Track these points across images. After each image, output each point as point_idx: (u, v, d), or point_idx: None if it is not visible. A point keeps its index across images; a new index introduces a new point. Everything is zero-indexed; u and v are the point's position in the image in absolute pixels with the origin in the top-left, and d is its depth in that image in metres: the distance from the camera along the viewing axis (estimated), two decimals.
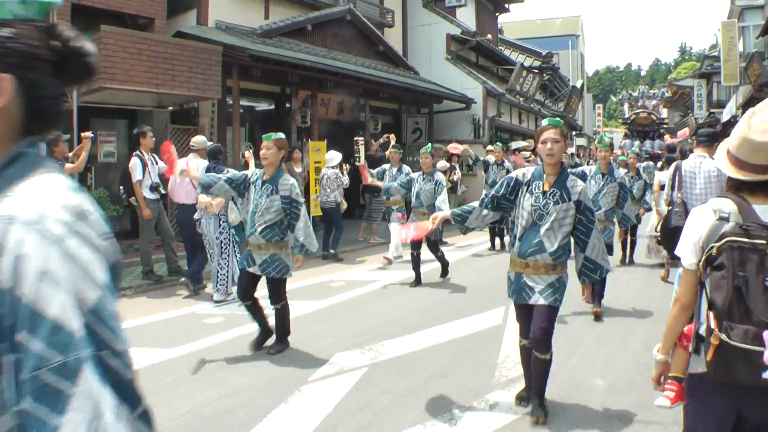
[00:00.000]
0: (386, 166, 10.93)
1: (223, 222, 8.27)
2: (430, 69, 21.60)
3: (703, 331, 2.40)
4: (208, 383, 5.30)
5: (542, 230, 4.35)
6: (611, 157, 9.60)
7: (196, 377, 5.44)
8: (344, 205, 12.55)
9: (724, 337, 2.21)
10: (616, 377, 5.43)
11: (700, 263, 2.39)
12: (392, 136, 14.08)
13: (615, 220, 8.40)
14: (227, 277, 8.25)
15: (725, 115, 29.77)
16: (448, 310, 7.81)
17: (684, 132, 40.74)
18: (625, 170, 10.88)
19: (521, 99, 23.98)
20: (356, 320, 7.38)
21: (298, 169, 12.50)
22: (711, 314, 2.29)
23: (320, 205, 12.11)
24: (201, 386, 5.23)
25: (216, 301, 8.14)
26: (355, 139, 13.91)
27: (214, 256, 8.37)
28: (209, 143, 9.88)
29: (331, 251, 11.85)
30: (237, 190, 6.21)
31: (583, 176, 7.91)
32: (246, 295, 6.19)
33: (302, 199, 6.11)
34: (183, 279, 9.10)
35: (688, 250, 2.47)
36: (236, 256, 8.27)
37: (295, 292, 8.76)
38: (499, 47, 29.18)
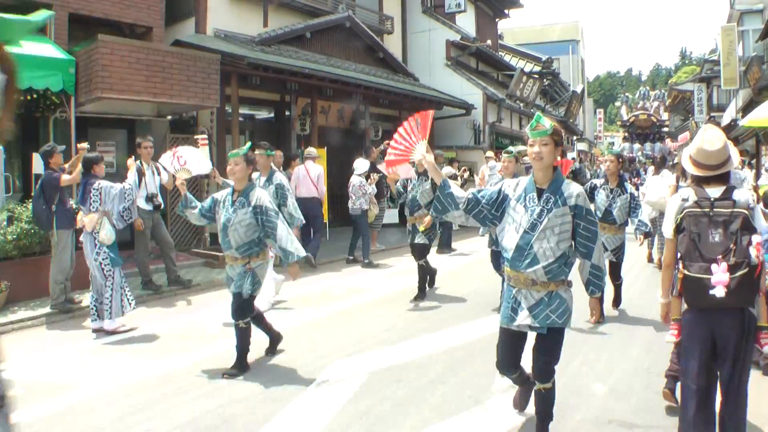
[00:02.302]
0: (255, 174, 7.84)
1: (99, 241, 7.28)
2: (430, 75, 21.61)
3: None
4: (208, 392, 5.27)
5: None
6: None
7: (195, 387, 5.41)
8: (375, 211, 12.85)
9: (686, 271, 3.53)
10: (616, 382, 5.40)
11: (674, 231, 3.73)
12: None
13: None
14: (111, 302, 7.21)
15: (725, 119, 29.75)
16: (448, 317, 7.79)
17: (685, 136, 40.65)
18: (601, 181, 7.91)
19: (521, 104, 23.95)
20: (356, 328, 7.35)
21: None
22: (680, 262, 3.62)
23: (349, 211, 12.24)
24: (200, 395, 5.20)
25: (107, 332, 7.17)
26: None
27: (95, 282, 7.31)
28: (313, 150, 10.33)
29: (364, 259, 12.04)
30: None
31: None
32: None
33: None
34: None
35: (668, 225, 3.81)
36: (122, 279, 7.40)
37: (294, 300, 8.75)
38: (499, 53, 29.19)
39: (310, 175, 11.77)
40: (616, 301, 8.08)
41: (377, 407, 4.89)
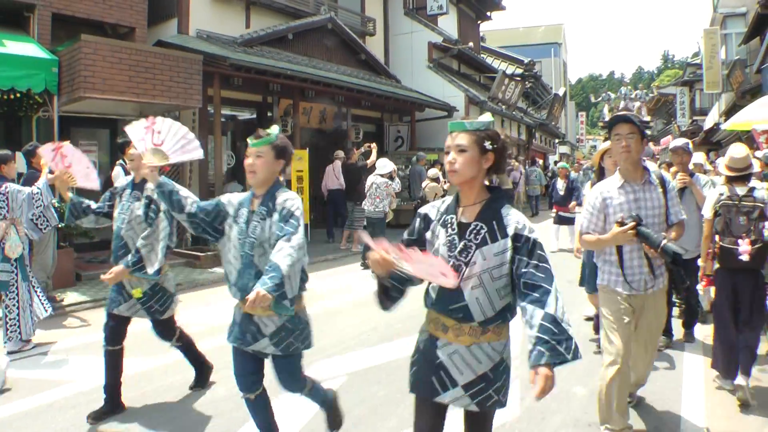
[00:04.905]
0: None
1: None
2: (412, 77, 21.65)
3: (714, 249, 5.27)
4: (187, 393, 5.28)
5: None
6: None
7: (174, 387, 5.41)
8: (391, 215, 12.44)
9: (721, 243, 5.06)
10: (597, 384, 5.46)
11: (711, 215, 5.23)
12: (373, 144, 14.10)
13: None
14: (18, 321, 6.41)
15: (708, 123, 29.99)
16: None
17: (667, 139, 40.98)
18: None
19: (503, 107, 24.06)
20: (336, 329, 7.37)
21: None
22: (717, 236, 5.14)
23: (366, 214, 12.10)
24: (180, 396, 5.21)
25: (9, 352, 6.37)
26: None
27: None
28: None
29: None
30: None
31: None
32: None
33: None
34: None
35: (707, 209, 5.32)
36: (33, 295, 6.65)
37: None
38: (482, 55, 29.30)
39: (335, 172, 14.70)
40: None
41: (356, 409, 4.91)
